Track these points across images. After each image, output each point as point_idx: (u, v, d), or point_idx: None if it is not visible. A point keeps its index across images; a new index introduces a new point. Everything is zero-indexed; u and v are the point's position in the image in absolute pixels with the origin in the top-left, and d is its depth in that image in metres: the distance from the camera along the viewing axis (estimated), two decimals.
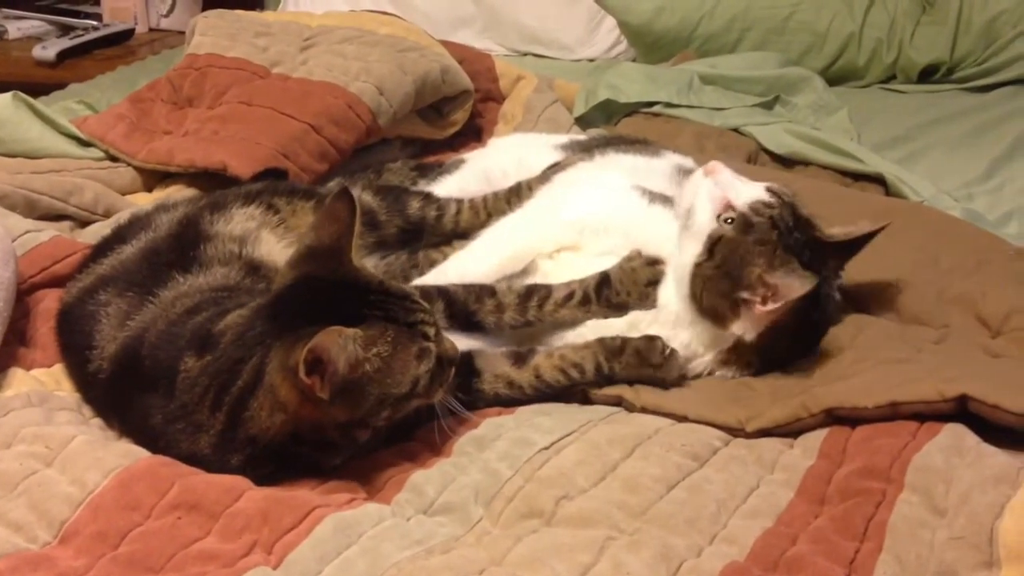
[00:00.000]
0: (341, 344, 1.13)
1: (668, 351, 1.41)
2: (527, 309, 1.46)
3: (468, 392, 1.37)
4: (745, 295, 1.40)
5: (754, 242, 1.40)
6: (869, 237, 1.48)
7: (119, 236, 1.53)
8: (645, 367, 1.40)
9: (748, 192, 1.45)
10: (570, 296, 1.46)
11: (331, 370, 1.14)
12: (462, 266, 1.57)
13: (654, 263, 1.48)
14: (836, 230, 1.48)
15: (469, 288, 1.47)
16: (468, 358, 1.39)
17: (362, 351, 1.16)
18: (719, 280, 1.41)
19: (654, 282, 1.47)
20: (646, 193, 1.58)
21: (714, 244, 1.41)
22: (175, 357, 1.24)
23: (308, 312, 1.18)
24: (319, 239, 1.26)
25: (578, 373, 1.40)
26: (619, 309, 1.47)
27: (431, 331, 1.24)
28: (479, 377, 1.39)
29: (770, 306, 1.38)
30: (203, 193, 1.78)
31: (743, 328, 1.41)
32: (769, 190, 1.46)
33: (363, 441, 1.24)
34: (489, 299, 1.46)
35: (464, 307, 1.45)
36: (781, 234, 1.41)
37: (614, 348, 1.41)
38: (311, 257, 1.26)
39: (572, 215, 1.57)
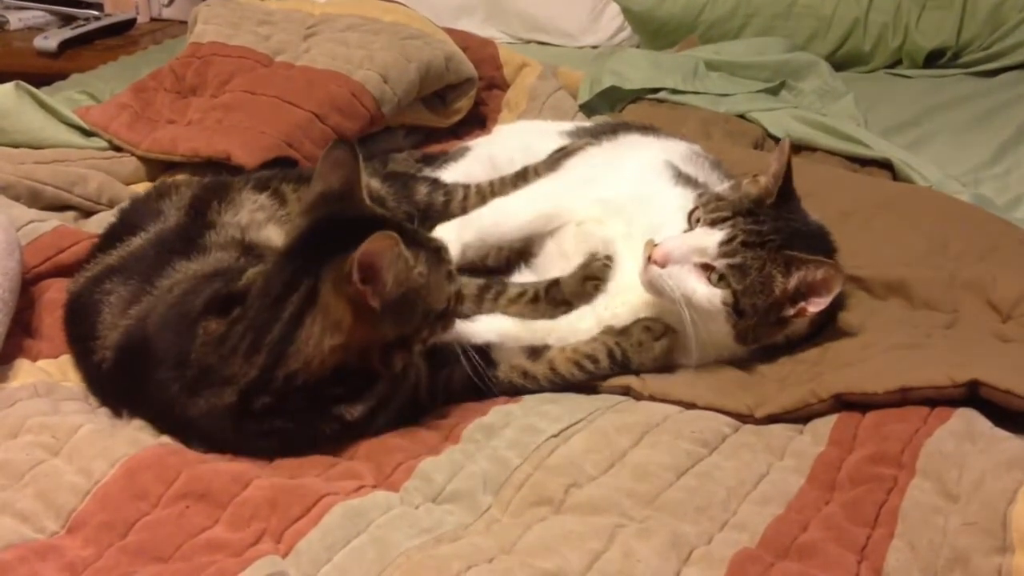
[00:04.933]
0: (393, 250, 1.17)
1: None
2: (483, 300, 1.51)
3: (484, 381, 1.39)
4: (790, 312, 1.39)
5: (757, 272, 1.37)
6: (789, 156, 1.43)
7: (127, 225, 1.53)
8: (655, 340, 1.41)
9: (707, 243, 1.38)
10: (522, 294, 1.51)
11: (381, 279, 1.18)
12: (500, 211, 1.64)
13: (592, 263, 1.50)
14: (762, 179, 1.44)
15: None
16: (486, 350, 1.41)
17: (411, 259, 1.22)
18: (761, 319, 1.38)
19: (587, 278, 1.50)
20: (676, 172, 1.58)
21: (735, 307, 1.37)
22: (188, 329, 1.25)
23: (339, 245, 1.19)
24: (328, 185, 1.30)
25: (592, 363, 1.40)
26: (562, 304, 1.49)
27: (449, 257, 1.31)
28: (496, 368, 1.40)
29: (816, 306, 1.37)
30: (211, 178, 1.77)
31: (793, 330, 1.42)
32: (715, 219, 1.39)
33: (398, 372, 1.27)
34: None
35: None
36: (764, 241, 1.38)
37: (621, 329, 1.43)
38: (324, 202, 1.30)
39: (610, 194, 1.58)
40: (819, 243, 1.45)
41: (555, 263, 1.57)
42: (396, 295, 1.20)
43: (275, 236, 1.48)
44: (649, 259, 1.38)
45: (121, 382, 1.33)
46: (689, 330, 1.38)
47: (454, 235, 1.58)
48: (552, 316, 1.49)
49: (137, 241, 1.46)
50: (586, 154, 1.73)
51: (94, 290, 1.40)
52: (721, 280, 1.37)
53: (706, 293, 1.37)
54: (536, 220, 1.61)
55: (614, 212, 1.55)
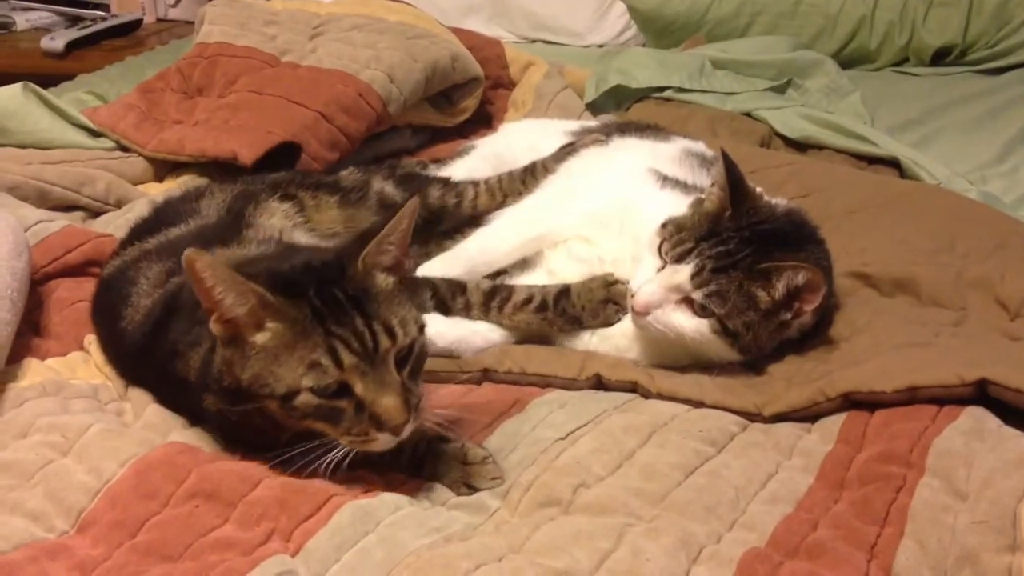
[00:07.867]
0: (211, 270, 1.08)
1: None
2: (489, 309, 1.51)
3: None
4: (788, 316, 1.39)
5: (736, 293, 1.37)
6: (729, 163, 1.42)
7: (163, 220, 1.54)
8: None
9: (678, 280, 1.38)
10: (529, 300, 1.50)
11: (210, 298, 1.10)
12: (484, 243, 1.60)
13: (613, 283, 1.49)
14: (715, 192, 1.43)
15: (450, 283, 1.54)
16: None
17: (277, 312, 1.10)
18: (760, 330, 1.38)
19: (609, 300, 1.48)
20: (660, 177, 1.57)
21: (724, 331, 1.38)
22: None
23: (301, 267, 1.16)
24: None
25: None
26: (573, 322, 1.49)
27: (347, 359, 1.09)
28: None
29: (810, 303, 1.38)
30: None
31: (801, 322, 1.41)
32: (680, 254, 1.39)
33: (263, 421, 1.15)
34: (460, 296, 1.53)
35: (443, 299, 1.53)
36: (735, 261, 1.37)
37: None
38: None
39: (592, 208, 1.57)
40: (796, 231, 1.45)
41: (542, 279, 1.57)
42: (233, 324, 1.12)
43: (303, 240, 1.49)
44: (633, 310, 1.40)
45: (143, 341, 1.34)
46: (698, 354, 1.41)
47: (440, 272, 1.58)
48: (562, 328, 1.49)
49: (176, 231, 1.48)
50: (580, 157, 1.73)
51: (130, 269, 1.42)
52: (704, 310, 1.37)
53: (694, 325, 1.38)
54: (524, 246, 1.60)
55: (601, 226, 1.55)
